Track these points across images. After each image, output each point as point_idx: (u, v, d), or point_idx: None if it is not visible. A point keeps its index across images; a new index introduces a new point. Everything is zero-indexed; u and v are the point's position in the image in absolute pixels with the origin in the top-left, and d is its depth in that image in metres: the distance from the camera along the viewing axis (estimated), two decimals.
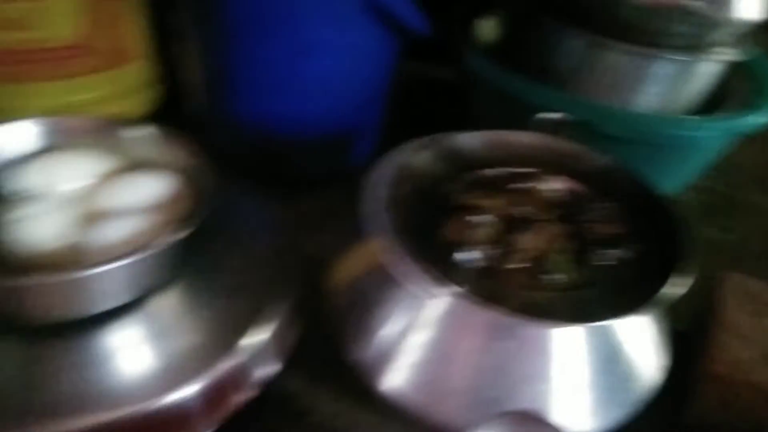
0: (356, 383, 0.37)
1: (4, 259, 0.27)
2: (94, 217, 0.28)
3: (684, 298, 0.29)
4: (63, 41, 0.48)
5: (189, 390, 0.28)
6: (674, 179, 0.57)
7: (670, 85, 0.50)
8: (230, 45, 0.47)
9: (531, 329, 0.29)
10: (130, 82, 0.53)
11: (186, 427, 0.29)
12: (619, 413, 0.31)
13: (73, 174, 0.30)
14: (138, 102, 0.55)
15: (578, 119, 0.44)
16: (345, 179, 0.56)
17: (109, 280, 0.26)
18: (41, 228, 0.27)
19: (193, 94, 0.53)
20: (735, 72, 0.53)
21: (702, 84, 0.51)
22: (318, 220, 0.47)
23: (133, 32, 0.52)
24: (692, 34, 0.47)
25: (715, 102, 0.53)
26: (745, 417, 0.35)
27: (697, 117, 0.51)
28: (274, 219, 0.37)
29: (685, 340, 0.38)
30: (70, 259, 0.27)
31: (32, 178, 0.29)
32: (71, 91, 0.50)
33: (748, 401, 0.35)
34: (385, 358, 0.32)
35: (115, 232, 0.27)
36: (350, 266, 0.36)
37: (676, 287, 0.29)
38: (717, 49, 0.49)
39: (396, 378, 0.32)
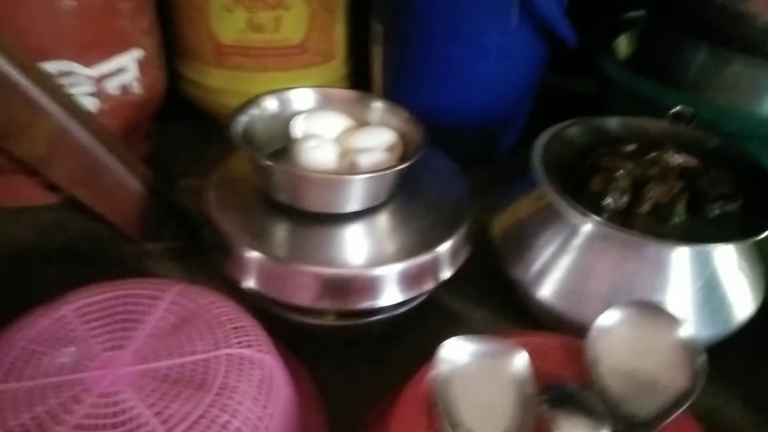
0: (503, 302, 0.49)
1: None
2: (350, 152, 0.42)
3: None
4: (292, 42, 0.63)
5: (395, 268, 0.40)
6: None
7: None
8: (416, 47, 0.61)
9: (653, 248, 0.40)
10: (332, 75, 0.68)
11: (383, 294, 0.41)
12: (714, 331, 0.41)
13: (335, 124, 0.44)
14: None
15: (702, 116, 0.53)
16: (493, 163, 0.68)
17: (359, 187, 0.40)
18: (321, 154, 0.41)
19: (379, 87, 0.67)
20: None
21: None
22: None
23: (339, 37, 0.67)
24: None
25: None
26: None
27: None
28: (454, 170, 0.49)
29: None
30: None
31: (312, 124, 0.44)
32: (291, 80, 0.65)
33: None
34: (540, 273, 0.44)
35: (366, 160, 0.41)
36: (514, 210, 0.48)
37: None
38: None
39: (548, 289, 0.43)
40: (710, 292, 0.41)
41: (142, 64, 0.58)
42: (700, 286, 0.41)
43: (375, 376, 0.44)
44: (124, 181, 0.50)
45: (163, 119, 0.67)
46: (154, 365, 0.33)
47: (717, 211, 0.42)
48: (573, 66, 0.72)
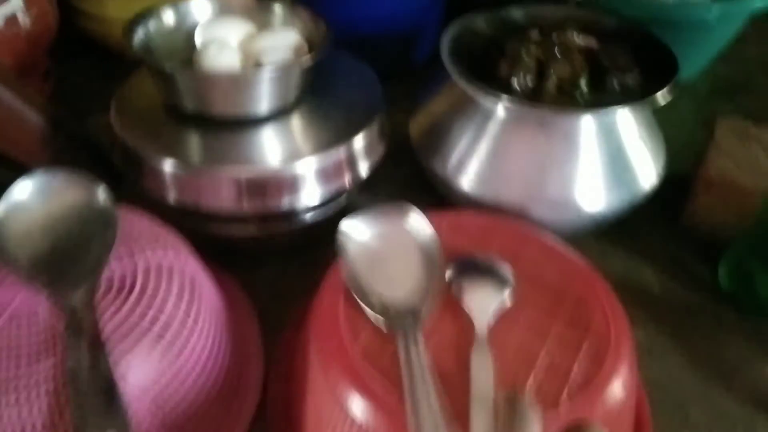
0: (427, 202, 0.49)
1: None
2: (254, 53, 0.41)
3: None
4: None
5: (311, 163, 0.40)
6: (691, 63, 0.66)
7: None
8: None
9: (561, 120, 0.41)
10: None
11: (302, 191, 0.41)
12: (624, 198, 0.43)
13: (237, 30, 0.43)
14: None
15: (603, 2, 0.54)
16: (410, 76, 0.68)
17: (266, 85, 0.39)
18: (225, 58, 0.40)
19: None
20: None
21: None
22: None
23: None
24: None
25: None
26: (729, 213, 0.47)
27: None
28: (364, 71, 0.48)
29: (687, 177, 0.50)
30: None
31: (213, 32, 0.42)
32: None
33: (733, 200, 0.46)
34: (459, 164, 0.44)
35: (271, 57, 0.40)
36: (430, 109, 0.49)
37: (661, 96, 0.40)
38: None
39: (467, 177, 0.44)
40: (617, 161, 0.43)
41: None
42: (606, 154, 0.42)
43: (302, 278, 0.45)
44: (22, 115, 0.47)
45: (63, 58, 0.64)
46: None
47: (617, 84, 0.43)
48: None
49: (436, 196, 0.49)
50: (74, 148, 0.50)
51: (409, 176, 0.52)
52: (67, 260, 0.32)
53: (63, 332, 0.29)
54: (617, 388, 0.30)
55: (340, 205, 0.45)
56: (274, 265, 0.46)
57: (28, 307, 0.31)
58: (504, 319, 0.32)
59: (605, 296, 0.34)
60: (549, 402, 0.29)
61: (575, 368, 0.30)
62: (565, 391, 0.29)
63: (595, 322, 0.32)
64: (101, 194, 0.34)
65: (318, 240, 0.46)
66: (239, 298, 0.42)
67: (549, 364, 0.31)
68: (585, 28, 0.47)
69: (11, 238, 0.32)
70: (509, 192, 0.43)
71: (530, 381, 0.30)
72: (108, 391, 0.27)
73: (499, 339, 0.31)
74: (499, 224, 0.38)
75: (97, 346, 0.28)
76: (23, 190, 0.33)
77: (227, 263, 0.43)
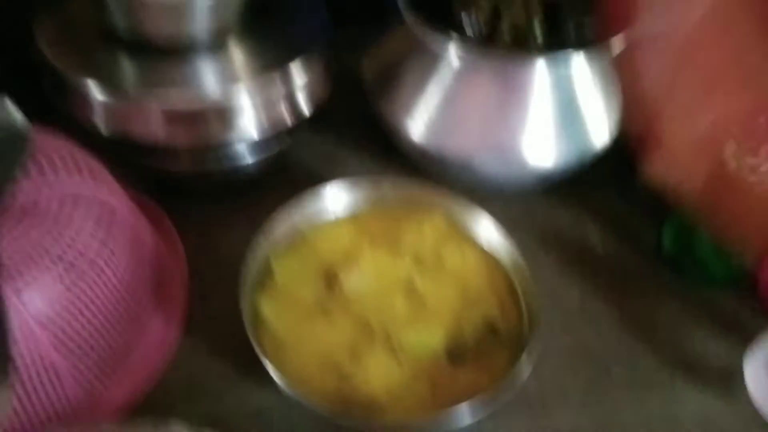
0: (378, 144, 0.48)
1: None
2: None
3: None
4: None
5: (244, 90, 0.39)
6: None
7: None
8: None
9: (514, 65, 0.40)
10: None
11: (238, 123, 0.39)
12: (573, 154, 0.42)
13: None
14: None
15: None
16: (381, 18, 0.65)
17: (201, 7, 0.37)
18: None
19: None
20: None
21: None
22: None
23: None
24: None
25: None
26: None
27: None
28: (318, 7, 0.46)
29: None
30: None
31: None
32: None
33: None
34: (410, 108, 0.43)
35: None
36: (384, 48, 0.47)
37: (617, 42, 0.39)
38: None
39: (416, 125, 0.43)
40: (569, 114, 0.41)
41: None
42: (559, 105, 0.41)
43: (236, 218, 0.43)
44: None
45: None
46: None
47: (573, 28, 0.42)
48: None
49: (388, 145, 0.48)
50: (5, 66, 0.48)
51: (363, 117, 0.51)
52: None
53: None
54: None
55: (280, 145, 0.43)
56: (212, 205, 0.45)
57: None
58: None
59: None
60: None
61: None
62: None
63: None
64: (10, 110, 0.32)
65: (263, 184, 0.45)
66: (168, 233, 0.41)
67: None
68: None
69: None
70: (456, 141, 0.42)
71: None
72: None
73: None
74: None
75: None
76: None
77: (163, 199, 0.42)
